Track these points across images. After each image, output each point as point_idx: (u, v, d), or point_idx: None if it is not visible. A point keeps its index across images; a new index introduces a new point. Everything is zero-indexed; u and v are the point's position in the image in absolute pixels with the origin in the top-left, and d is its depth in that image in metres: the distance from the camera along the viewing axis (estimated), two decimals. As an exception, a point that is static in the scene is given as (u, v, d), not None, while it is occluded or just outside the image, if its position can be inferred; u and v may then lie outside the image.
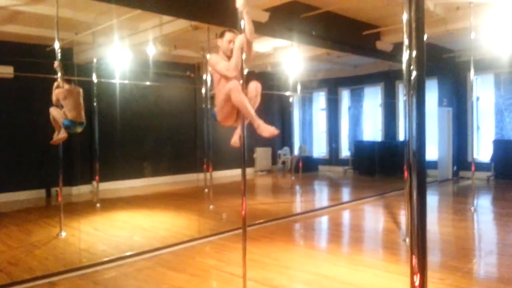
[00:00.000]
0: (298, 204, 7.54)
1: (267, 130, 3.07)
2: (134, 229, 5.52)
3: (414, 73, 1.56)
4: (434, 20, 6.99)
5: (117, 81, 8.01)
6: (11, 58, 7.20)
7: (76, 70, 7.22)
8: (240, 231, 3.10)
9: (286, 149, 12.63)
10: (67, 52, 7.23)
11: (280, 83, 10.58)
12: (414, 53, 1.56)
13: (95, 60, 7.38)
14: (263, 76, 10.84)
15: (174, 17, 5.78)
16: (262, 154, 12.00)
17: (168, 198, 8.03)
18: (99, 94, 7.69)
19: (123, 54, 7.38)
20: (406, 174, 5.01)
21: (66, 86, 5.20)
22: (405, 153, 5.34)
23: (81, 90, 5.46)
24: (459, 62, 10.07)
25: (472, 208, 6.24)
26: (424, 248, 1.67)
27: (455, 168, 10.04)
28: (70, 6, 5.84)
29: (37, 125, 7.47)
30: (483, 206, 6.90)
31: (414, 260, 1.66)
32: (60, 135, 5.14)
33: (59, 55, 5.06)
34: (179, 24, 6.17)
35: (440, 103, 9.73)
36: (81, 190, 8.18)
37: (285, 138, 12.87)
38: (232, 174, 10.45)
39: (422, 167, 1.51)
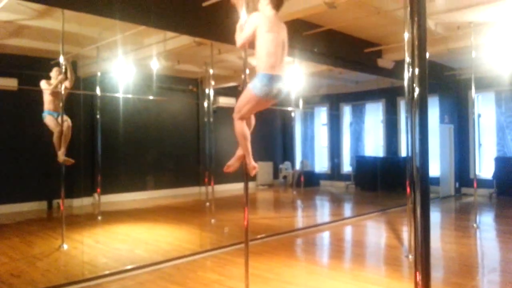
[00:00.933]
0: (300, 219, 7.52)
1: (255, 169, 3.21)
2: (136, 242, 5.51)
3: (417, 90, 1.59)
4: (435, 38, 7.08)
5: (120, 95, 8.08)
6: (16, 70, 7.27)
7: (80, 83, 7.29)
8: (242, 245, 3.10)
9: (287, 163, 12.64)
10: (71, 66, 7.30)
11: (282, 98, 10.64)
12: (416, 70, 1.60)
13: (99, 74, 7.45)
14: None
15: (178, 34, 5.86)
16: (263, 168, 12.01)
17: (170, 211, 8.02)
18: (102, 107, 7.75)
19: (127, 68, 7.46)
20: (408, 190, 5.02)
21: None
22: (407, 169, 5.36)
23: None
24: (460, 79, 10.14)
25: (475, 225, 6.23)
26: (428, 265, 1.67)
27: (457, 184, 10.03)
28: (76, 20, 5.92)
29: (40, 137, 7.51)
30: (486, 223, 6.88)
31: (418, 277, 1.67)
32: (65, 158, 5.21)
33: (63, 68, 5.13)
34: (183, 40, 6.25)
35: (442, 120, 9.78)
36: (82, 202, 8.18)
37: (286, 152, 12.89)
38: (234, 188, 10.45)
39: (425, 183, 1.54)
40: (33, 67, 7.30)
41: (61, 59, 5.09)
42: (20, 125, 7.55)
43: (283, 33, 3.13)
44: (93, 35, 6.46)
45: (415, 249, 1.69)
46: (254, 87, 3.00)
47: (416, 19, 1.57)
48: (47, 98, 5.59)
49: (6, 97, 7.30)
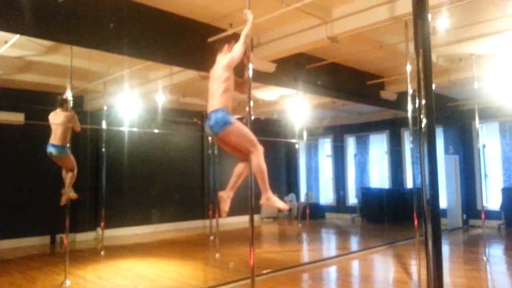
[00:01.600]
0: (306, 252, 7.39)
1: (279, 203, 3.36)
2: (139, 278, 5.41)
3: (424, 121, 1.60)
4: (437, 70, 7.16)
5: (125, 128, 8.14)
6: (22, 105, 7.36)
7: (87, 117, 7.37)
8: (248, 281, 3.04)
9: (292, 195, 12.54)
10: (78, 100, 7.39)
11: (286, 130, 10.70)
12: (423, 101, 1.61)
13: (105, 108, 7.54)
14: (270, 123, 10.98)
15: (183, 68, 5.96)
16: (268, 201, 11.87)
17: (174, 246, 7.91)
18: (108, 140, 7.79)
19: (133, 102, 7.55)
20: (416, 222, 4.95)
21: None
22: (414, 201, 5.30)
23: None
24: (463, 110, 10.18)
25: (484, 258, 6.09)
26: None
27: (464, 216, 9.88)
28: (84, 56, 6.04)
29: (44, 172, 7.52)
30: (495, 256, 6.73)
31: (432, 312, 1.62)
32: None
33: (71, 103, 5.20)
34: (188, 74, 6.35)
35: (446, 151, 9.75)
36: (86, 237, 8.09)
37: (291, 184, 12.81)
38: (239, 221, 10.31)
39: (436, 216, 1.51)
40: (39, 101, 7.40)
41: (69, 94, 5.17)
42: (25, 159, 7.58)
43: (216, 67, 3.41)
44: (100, 70, 6.57)
45: (428, 283, 1.64)
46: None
47: (421, 51, 1.59)
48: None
49: (13, 131, 7.37)
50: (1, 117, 6.71)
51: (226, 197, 3.34)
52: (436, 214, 1.59)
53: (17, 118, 7.43)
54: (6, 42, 4.87)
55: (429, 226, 1.58)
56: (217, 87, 3.26)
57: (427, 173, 1.61)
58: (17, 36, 4.48)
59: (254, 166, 3.22)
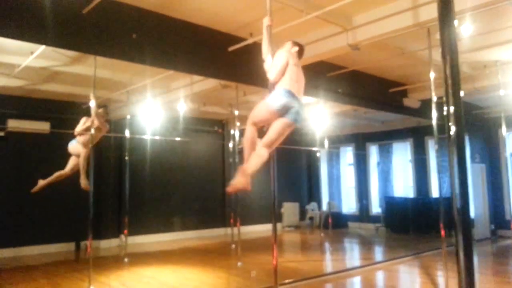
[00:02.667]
0: (329, 262, 7.29)
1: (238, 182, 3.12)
2: (162, 286, 5.42)
3: (453, 129, 1.55)
4: (462, 77, 6.96)
5: (148, 136, 8.24)
6: (48, 114, 7.54)
7: (111, 126, 7.49)
8: (271, 290, 3.00)
9: (313, 204, 12.43)
10: (106, 111, 7.54)
11: (307, 138, 10.64)
12: (451, 108, 1.57)
13: (128, 117, 7.66)
14: (291, 131, 10.95)
15: (204, 77, 6.01)
16: (289, 210, 11.82)
17: (196, 253, 7.92)
18: (131, 149, 7.90)
19: (155, 111, 7.64)
20: (443, 232, 4.83)
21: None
22: (441, 210, 5.17)
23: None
24: (488, 118, 9.94)
25: (515, 270, 5.89)
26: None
27: (492, 226, 9.59)
28: (108, 66, 6.16)
29: (69, 179, 7.67)
30: (527, 268, 6.50)
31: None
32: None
33: (93, 112, 5.31)
34: (209, 83, 6.40)
35: (473, 159, 9.51)
36: (110, 244, 8.19)
37: (312, 193, 12.70)
38: (260, 230, 10.29)
39: (467, 225, 1.45)
40: (64, 111, 7.58)
41: (93, 103, 5.26)
42: (50, 167, 7.74)
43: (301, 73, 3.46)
44: (123, 80, 6.69)
45: (458, 296, 1.59)
46: (270, 99, 3.22)
47: (448, 58, 1.54)
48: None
49: (39, 140, 7.55)
50: (27, 126, 6.88)
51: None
52: (467, 224, 1.54)
53: (43, 127, 7.61)
54: (32, 52, 5.01)
55: (460, 236, 1.53)
56: (302, 86, 3.39)
57: (457, 182, 1.56)
58: (43, 47, 4.60)
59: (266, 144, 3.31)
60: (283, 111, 3.14)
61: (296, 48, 3.47)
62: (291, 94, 3.17)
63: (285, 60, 3.27)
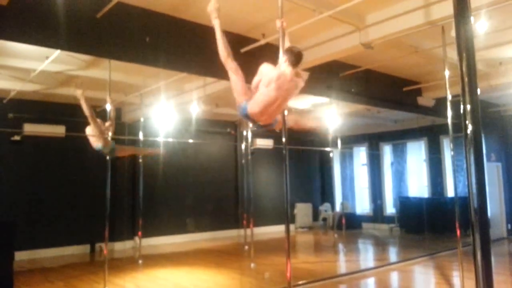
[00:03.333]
0: (343, 263, 7.24)
1: None
2: (176, 286, 5.45)
3: (470, 127, 1.52)
4: (477, 75, 6.92)
5: (161, 139, 8.30)
6: (64, 118, 7.63)
7: (126, 128, 7.57)
8: (285, 291, 3.00)
9: (327, 205, 12.36)
10: (116, 112, 7.60)
11: (320, 138, 10.59)
12: (468, 107, 1.54)
13: (142, 119, 7.72)
14: (303, 132, 10.92)
15: (217, 79, 6.03)
16: (302, 210, 11.78)
17: (209, 255, 7.94)
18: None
19: (168, 113, 7.69)
20: (458, 232, 4.76)
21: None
22: (456, 210, 5.10)
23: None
24: (505, 116, 9.79)
25: (534, 271, 5.78)
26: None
27: (509, 226, 9.44)
28: (122, 70, 6.23)
29: (84, 182, 7.76)
30: (546, 269, 6.38)
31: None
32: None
33: (109, 116, 5.37)
34: (222, 85, 6.42)
35: (488, 158, 9.37)
36: (124, 246, 8.25)
37: (325, 193, 12.64)
38: (273, 231, 10.27)
39: (485, 225, 1.43)
40: (79, 114, 7.65)
41: (108, 107, 5.33)
42: (65, 171, 7.84)
43: (293, 87, 3.30)
44: (137, 83, 6.74)
45: (477, 297, 1.56)
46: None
47: (464, 55, 1.52)
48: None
49: (54, 144, 7.64)
50: (44, 129, 6.96)
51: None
52: (485, 223, 1.52)
53: (58, 130, 7.69)
54: (47, 57, 5.08)
55: (477, 236, 1.51)
56: (278, 107, 3.31)
57: (474, 181, 1.53)
58: (58, 52, 4.67)
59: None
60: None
61: (284, 58, 3.27)
62: (246, 115, 3.31)
63: (258, 78, 3.30)
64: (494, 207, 9.24)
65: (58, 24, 4.19)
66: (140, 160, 7.92)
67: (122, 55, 4.70)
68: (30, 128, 6.61)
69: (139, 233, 7.39)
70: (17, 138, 7.06)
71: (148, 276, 6.12)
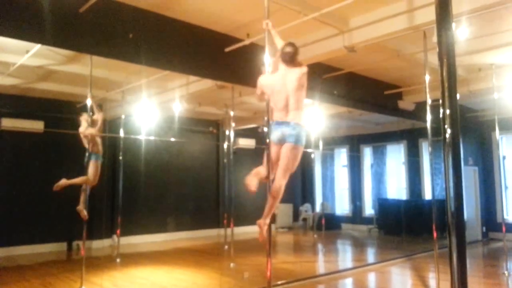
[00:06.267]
0: (322, 264, 7.30)
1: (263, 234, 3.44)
2: (154, 286, 5.41)
3: (448, 131, 1.56)
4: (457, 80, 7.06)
5: (142, 136, 8.22)
6: (42, 113, 7.49)
7: (106, 126, 7.45)
8: (264, 291, 3.01)
9: (307, 205, 12.44)
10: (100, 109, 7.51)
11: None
12: (447, 111, 1.58)
13: (123, 116, 7.63)
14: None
15: (200, 77, 6.01)
16: (283, 211, 11.82)
17: (189, 254, 7.90)
18: (125, 149, 7.87)
19: (150, 111, 7.62)
20: (435, 234, 4.86)
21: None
22: (433, 212, 5.21)
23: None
24: (482, 121, 10.02)
25: (506, 272, 5.93)
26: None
27: (484, 229, 9.67)
28: (103, 66, 6.14)
29: (62, 179, 7.62)
30: (518, 271, 6.55)
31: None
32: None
33: (90, 112, 5.29)
34: (205, 84, 6.39)
35: (465, 162, 9.58)
36: (102, 244, 8.14)
37: (306, 194, 12.72)
38: (254, 231, 10.25)
39: (461, 228, 1.47)
40: (59, 110, 7.53)
41: (89, 102, 5.25)
42: (43, 166, 7.69)
43: (291, 78, 3.36)
44: (119, 79, 6.66)
45: (452, 298, 1.60)
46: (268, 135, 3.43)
47: (445, 60, 1.56)
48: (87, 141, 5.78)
49: (32, 139, 7.50)
50: (21, 125, 6.82)
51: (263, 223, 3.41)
52: (461, 226, 1.55)
53: (37, 126, 7.55)
54: (27, 51, 4.97)
55: (453, 238, 1.54)
56: (294, 100, 3.32)
57: (451, 184, 1.57)
58: (38, 46, 4.57)
59: (277, 187, 3.31)
60: (281, 139, 3.30)
61: (278, 54, 3.43)
62: (278, 124, 3.31)
63: (259, 91, 3.47)
64: (470, 210, 9.45)
65: (40, 18, 4.11)
66: (120, 158, 7.83)
67: (104, 51, 4.64)
68: (8, 123, 6.47)
69: (118, 231, 7.30)
70: (-6, 132, 6.90)
71: (126, 275, 6.06)
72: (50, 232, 7.62)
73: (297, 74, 3.35)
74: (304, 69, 3.38)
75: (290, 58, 3.35)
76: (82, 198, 5.40)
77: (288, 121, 3.28)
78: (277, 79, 3.37)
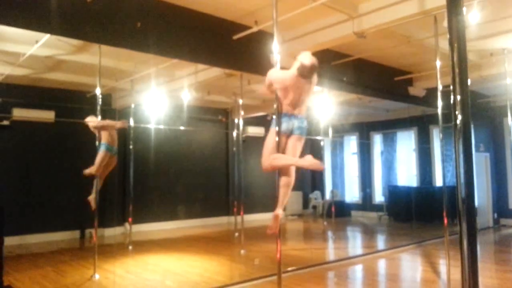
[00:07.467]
0: (332, 250, 7.33)
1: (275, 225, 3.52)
2: (166, 273, 5.48)
3: (459, 118, 1.54)
4: (468, 65, 6.95)
5: (152, 125, 8.26)
6: (53, 103, 7.55)
7: (116, 115, 7.50)
8: (273, 278, 3.04)
9: (317, 193, 12.46)
10: (106, 98, 7.54)
11: (311, 127, 10.62)
12: (458, 97, 1.56)
13: (132, 106, 7.66)
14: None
15: (209, 66, 5.99)
16: (293, 198, 11.84)
17: (200, 242, 7.99)
18: (135, 138, 7.92)
19: (159, 100, 7.64)
20: (445, 221, 4.84)
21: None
22: (444, 199, 5.18)
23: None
24: (494, 107, 9.88)
25: (518, 259, 5.91)
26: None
27: (495, 215, 9.60)
28: (112, 55, 6.16)
29: (74, 168, 7.70)
30: (529, 257, 6.52)
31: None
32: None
33: (100, 101, 5.32)
34: (213, 72, 6.38)
35: (477, 149, 9.48)
36: (114, 232, 8.25)
37: (316, 182, 12.72)
38: (263, 218, 10.30)
39: (471, 214, 1.46)
40: (69, 99, 7.58)
41: (98, 91, 5.28)
42: (55, 156, 7.78)
43: (307, 89, 3.48)
44: (127, 68, 6.67)
45: (462, 284, 1.59)
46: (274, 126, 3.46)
47: (456, 46, 1.53)
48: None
49: (43, 129, 7.57)
50: (32, 115, 6.89)
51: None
52: (472, 213, 1.54)
53: (48, 116, 7.62)
54: (37, 41, 5.00)
55: (464, 225, 1.53)
56: (304, 101, 3.49)
57: (462, 171, 1.56)
58: (47, 36, 4.59)
59: (290, 178, 3.42)
60: (288, 131, 3.40)
61: (298, 64, 3.41)
62: (287, 116, 3.41)
63: (267, 83, 3.49)
64: (481, 196, 9.38)
65: (48, 8, 4.11)
66: (131, 147, 7.88)
67: (113, 40, 4.63)
68: (19, 113, 6.54)
69: (130, 219, 7.38)
70: (5, 123, 6.98)
71: (139, 262, 6.15)
72: (63, 221, 7.73)
73: (313, 84, 3.52)
74: (316, 79, 3.55)
75: (309, 74, 3.42)
76: (94, 188, 5.46)
77: (296, 114, 3.42)
78: (289, 79, 3.41)
